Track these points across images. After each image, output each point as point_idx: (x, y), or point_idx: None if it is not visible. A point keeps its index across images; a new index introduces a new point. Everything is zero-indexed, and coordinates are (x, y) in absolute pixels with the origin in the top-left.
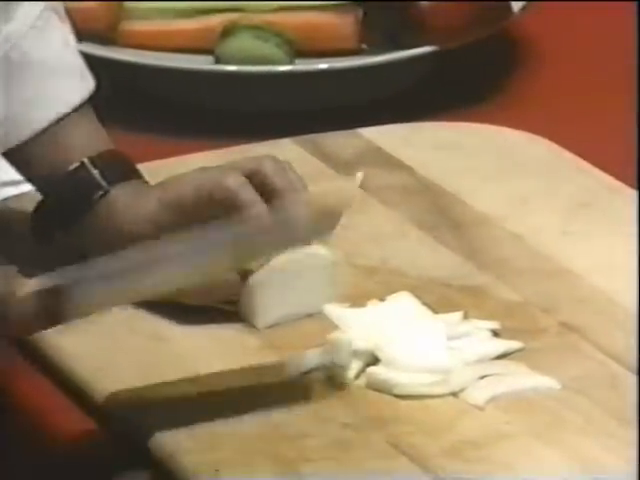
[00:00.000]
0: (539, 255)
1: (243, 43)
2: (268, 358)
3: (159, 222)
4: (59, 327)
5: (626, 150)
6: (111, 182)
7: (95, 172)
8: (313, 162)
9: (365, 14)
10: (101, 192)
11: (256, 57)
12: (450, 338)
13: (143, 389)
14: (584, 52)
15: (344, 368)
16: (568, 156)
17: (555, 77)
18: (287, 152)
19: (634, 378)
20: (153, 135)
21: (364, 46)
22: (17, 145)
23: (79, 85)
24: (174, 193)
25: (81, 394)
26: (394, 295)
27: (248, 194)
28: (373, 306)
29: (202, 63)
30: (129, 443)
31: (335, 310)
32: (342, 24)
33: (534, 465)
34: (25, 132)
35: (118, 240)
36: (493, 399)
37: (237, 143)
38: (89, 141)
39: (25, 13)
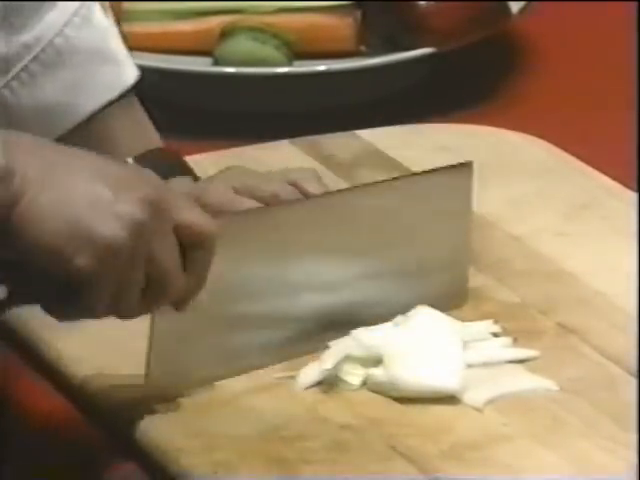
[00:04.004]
0: (538, 257)
1: (242, 45)
2: None
3: None
4: (58, 329)
5: (625, 152)
6: None
7: None
8: (312, 164)
9: (364, 16)
10: None
11: (255, 59)
12: (467, 342)
13: (142, 391)
14: (583, 53)
15: (347, 379)
16: (567, 158)
17: (554, 78)
18: (285, 154)
19: (633, 380)
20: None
21: (363, 48)
22: (62, 135)
23: (123, 72)
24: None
25: (81, 396)
26: (415, 309)
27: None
28: (393, 323)
29: (201, 65)
30: (128, 444)
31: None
32: (341, 26)
33: (532, 467)
34: (70, 120)
35: None
36: (491, 401)
37: (236, 145)
38: (133, 135)
39: (68, 2)
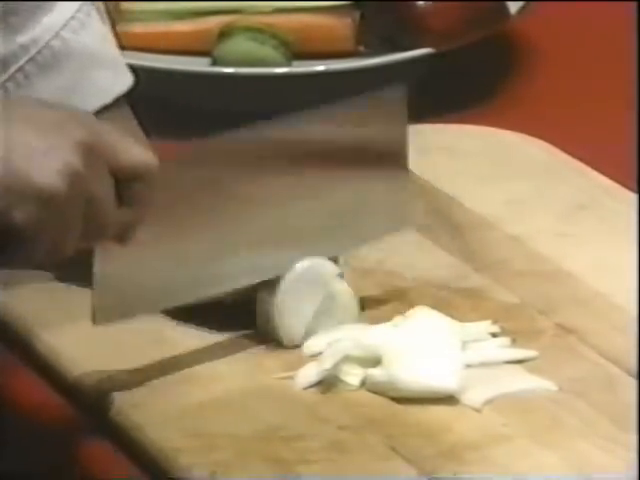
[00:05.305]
0: (536, 257)
1: (240, 45)
2: (268, 359)
3: None
4: (57, 327)
5: (625, 152)
6: None
7: None
8: None
9: (362, 16)
10: None
11: (253, 59)
12: (466, 343)
13: (142, 390)
14: (582, 53)
15: (345, 379)
16: (565, 158)
17: (553, 79)
18: None
19: (632, 381)
20: (150, 137)
21: (361, 48)
22: None
23: (117, 78)
24: None
25: (78, 395)
26: (414, 310)
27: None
28: (392, 323)
29: (199, 65)
30: (127, 444)
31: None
32: (339, 26)
33: (532, 467)
34: None
35: None
36: (490, 401)
37: None
38: None
39: (65, 5)
